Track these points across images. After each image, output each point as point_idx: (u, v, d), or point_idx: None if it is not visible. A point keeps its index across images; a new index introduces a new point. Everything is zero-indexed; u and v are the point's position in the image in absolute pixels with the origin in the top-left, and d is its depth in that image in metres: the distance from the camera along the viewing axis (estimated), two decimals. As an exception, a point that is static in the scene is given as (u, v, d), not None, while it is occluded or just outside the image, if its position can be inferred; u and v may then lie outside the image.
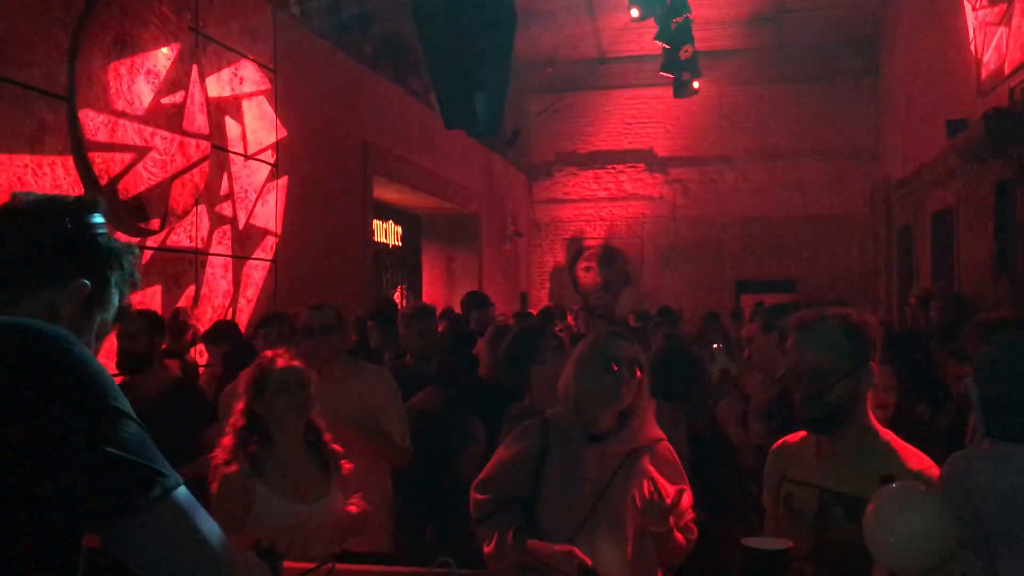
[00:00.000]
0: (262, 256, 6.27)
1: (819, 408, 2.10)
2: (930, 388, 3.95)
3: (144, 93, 4.87)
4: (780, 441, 2.36)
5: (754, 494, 3.25)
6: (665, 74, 10.40)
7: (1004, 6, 6.63)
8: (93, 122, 4.43)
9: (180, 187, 5.17)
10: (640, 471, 2.44)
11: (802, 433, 2.27)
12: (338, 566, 2.35)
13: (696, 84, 10.97)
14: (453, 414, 3.81)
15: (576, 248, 14.98)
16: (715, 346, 7.04)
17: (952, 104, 8.03)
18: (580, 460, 2.44)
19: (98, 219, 1.37)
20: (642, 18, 9.53)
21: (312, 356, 3.13)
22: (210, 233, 5.65)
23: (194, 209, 5.39)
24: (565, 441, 2.47)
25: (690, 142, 14.40)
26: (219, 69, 5.80)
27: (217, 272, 5.70)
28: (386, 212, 10.27)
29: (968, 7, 7.61)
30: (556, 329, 6.24)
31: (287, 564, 2.05)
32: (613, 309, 12.18)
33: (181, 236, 5.31)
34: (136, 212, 4.79)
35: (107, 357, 3.86)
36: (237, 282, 5.99)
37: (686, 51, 10.03)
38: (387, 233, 10.53)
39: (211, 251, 5.65)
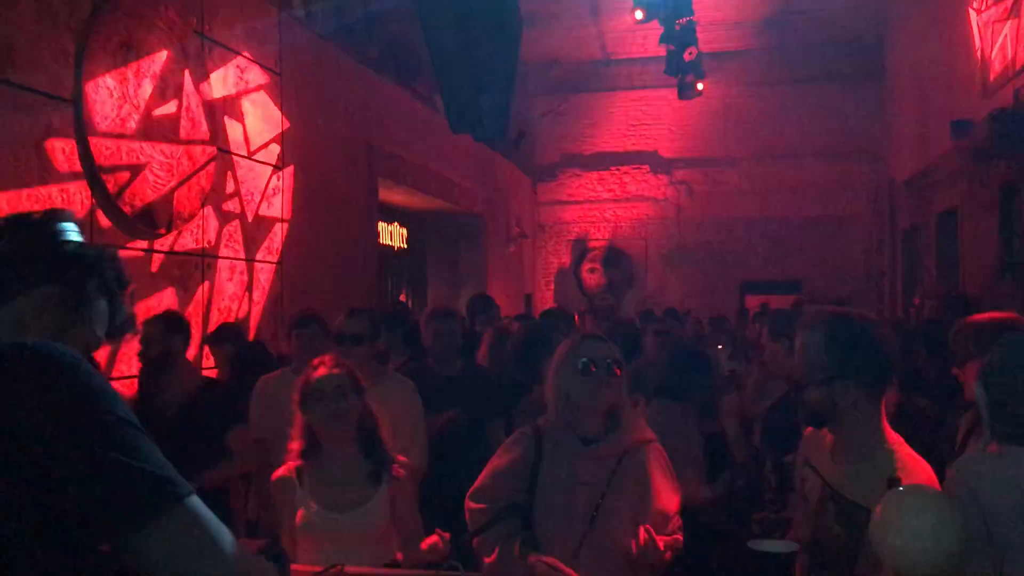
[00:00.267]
0: (268, 259, 6.28)
1: (801, 406, 2.18)
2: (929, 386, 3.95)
3: (150, 97, 4.89)
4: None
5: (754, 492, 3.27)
6: (669, 76, 10.42)
7: (1010, 1, 6.62)
8: (99, 126, 4.44)
9: (186, 190, 5.18)
10: (634, 473, 2.46)
11: None
12: (347, 568, 2.37)
13: (700, 86, 10.99)
14: (476, 424, 3.85)
15: (580, 249, 14.98)
16: (719, 347, 7.07)
17: (957, 105, 8.01)
18: (574, 465, 2.44)
19: (66, 227, 1.36)
20: (646, 20, 9.54)
21: None
22: (218, 236, 5.66)
23: (201, 212, 5.40)
24: (557, 446, 2.48)
25: (694, 144, 14.39)
26: (224, 72, 5.81)
27: (223, 275, 5.71)
28: (391, 214, 10.28)
29: (972, 12, 7.60)
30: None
31: (294, 567, 2.06)
32: (617, 310, 12.19)
33: (188, 239, 5.32)
34: (143, 216, 4.80)
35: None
36: (250, 285, 6.01)
37: (690, 53, 10.05)
38: (392, 235, 10.54)
39: (219, 254, 5.65)
